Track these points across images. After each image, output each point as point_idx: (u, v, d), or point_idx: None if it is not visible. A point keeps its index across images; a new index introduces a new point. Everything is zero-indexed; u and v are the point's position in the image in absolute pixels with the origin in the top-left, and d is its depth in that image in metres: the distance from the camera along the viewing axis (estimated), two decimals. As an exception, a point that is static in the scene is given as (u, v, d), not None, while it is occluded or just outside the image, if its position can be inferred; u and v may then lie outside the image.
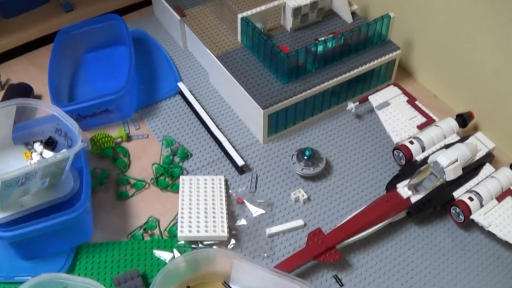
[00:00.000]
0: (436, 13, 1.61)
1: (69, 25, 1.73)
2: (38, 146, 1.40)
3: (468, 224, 1.39)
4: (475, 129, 1.62)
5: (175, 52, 1.81)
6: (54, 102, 1.51)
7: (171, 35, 1.87)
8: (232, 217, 1.38)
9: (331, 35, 1.58)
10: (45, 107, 1.39)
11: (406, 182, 1.40)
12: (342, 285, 1.29)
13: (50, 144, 1.42)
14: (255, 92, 1.49)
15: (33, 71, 1.75)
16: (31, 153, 1.39)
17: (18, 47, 1.83)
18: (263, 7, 1.60)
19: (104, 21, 1.74)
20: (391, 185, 1.42)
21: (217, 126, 1.57)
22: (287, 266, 1.25)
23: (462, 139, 1.50)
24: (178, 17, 1.74)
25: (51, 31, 1.82)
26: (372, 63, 1.60)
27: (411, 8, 1.68)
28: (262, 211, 1.39)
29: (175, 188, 1.44)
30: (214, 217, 1.34)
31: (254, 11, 1.59)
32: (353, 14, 1.71)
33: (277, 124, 1.54)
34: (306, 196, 1.43)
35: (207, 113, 1.60)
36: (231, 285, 1.24)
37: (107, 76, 1.72)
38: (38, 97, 1.67)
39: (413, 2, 1.67)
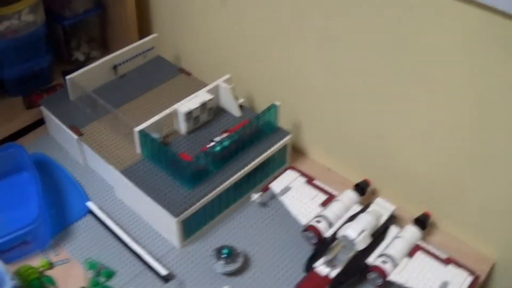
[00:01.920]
0: (318, 92, 1.74)
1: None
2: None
3: (387, 284, 1.47)
4: (374, 193, 1.74)
5: (76, 170, 1.83)
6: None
7: (69, 153, 1.88)
8: (167, 328, 1.42)
9: (226, 134, 1.66)
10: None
11: (322, 260, 1.48)
12: None
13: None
14: (164, 202, 1.54)
15: None
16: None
17: None
18: (156, 117, 1.66)
19: (3, 151, 1.76)
20: (309, 266, 1.49)
21: (133, 239, 1.60)
22: None
23: (364, 208, 1.61)
24: (76, 137, 1.76)
25: None
26: (267, 153, 1.69)
27: (293, 92, 1.80)
28: (195, 317, 1.44)
29: (107, 310, 1.47)
30: (150, 333, 1.38)
31: (149, 122, 1.65)
32: (240, 107, 1.80)
33: (190, 227, 1.59)
34: (232, 292, 1.49)
35: (121, 227, 1.63)
36: None
37: (14, 205, 1.72)
38: None
39: (293, 87, 1.79)
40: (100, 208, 1.69)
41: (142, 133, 1.62)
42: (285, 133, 1.75)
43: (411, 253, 1.52)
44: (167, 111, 1.68)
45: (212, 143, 1.64)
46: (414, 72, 1.47)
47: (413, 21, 1.40)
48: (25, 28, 1.91)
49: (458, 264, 1.50)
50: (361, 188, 1.66)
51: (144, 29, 2.15)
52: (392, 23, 1.45)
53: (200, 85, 1.88)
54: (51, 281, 1.53)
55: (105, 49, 2.17)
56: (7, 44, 1.91)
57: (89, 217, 1.69)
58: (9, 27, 1.86)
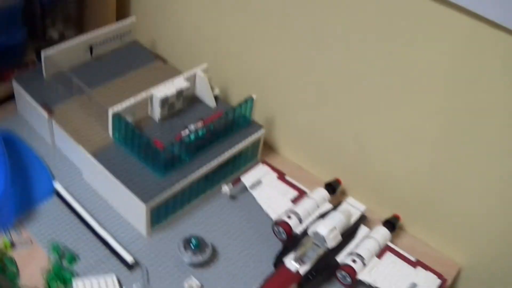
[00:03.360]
0: (294, 91, 1.73)
1: None
2: None
3: (356, 283, 1.47)
4: (343, 193, 1.73)
5: (44, 150, 1.79)
6: None
7: (37, 132, 1.84)
8: (131, 316, 1.39)
9: (201, 123, 1.64)
10: None
11: (291, 256, 1.47)
12: None
13: None
14: (134, 187, 1.52)
15: None
16: None
17: None
18: (132, 101, 1.63)
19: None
20: (278, 261, 1.48)
21: (99, 223, 1.57)
22: None
23: (335, 206, 1.60)
24: (46, 116, 1.72)
25: None
26: (240, 145, 1.68)
27: (268, 89, 1.79)
28: (159, 306, 1.41)
29: (69, 294, 1.43)
30: (114, 319, 1.35)
31: (124, 105, 1.62)
32: (216, 98, 1.78)
33: (158, 215, 1.57)
34: (199, 284, 1.46)
35: (87, 211, 1.60)
36: None
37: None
38: None
39: (269, 82, 1.78)
40: (67, 191, 1.65)
41: (116, 116, 1.59)
42: (258, 127, 1.74)
43: (380, 254, 1.52)
44: (143, 95, 1.65)
45: (186, 131, 1.62)
46: (398, 77, 1.47)
47: (399, 25, 1.40)
48: (1, 1, 1.86)
49: (426, 267, 1.52)
50: (332, 187, 1.66)
51: (121, 12, 2.11)
52: (377, 27, 1.45)
53: (175, 73, 1.85)
54: (11, 263, 1.49)
55: (81, 30, 2.12)
56: (-22, 16, 1.86)
57: (54, 199, 1.65)
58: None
